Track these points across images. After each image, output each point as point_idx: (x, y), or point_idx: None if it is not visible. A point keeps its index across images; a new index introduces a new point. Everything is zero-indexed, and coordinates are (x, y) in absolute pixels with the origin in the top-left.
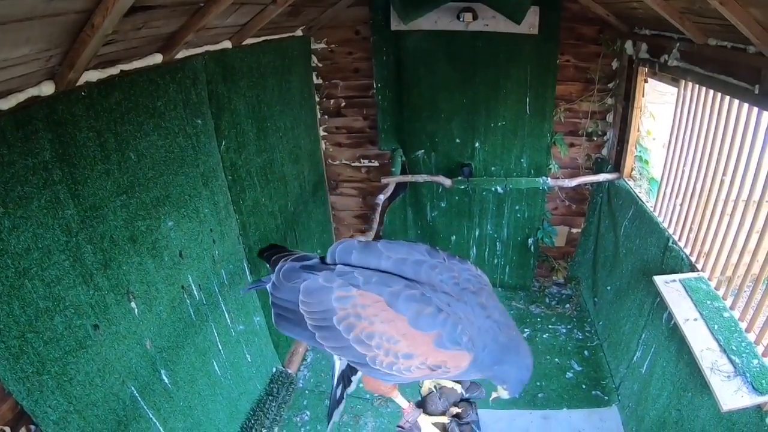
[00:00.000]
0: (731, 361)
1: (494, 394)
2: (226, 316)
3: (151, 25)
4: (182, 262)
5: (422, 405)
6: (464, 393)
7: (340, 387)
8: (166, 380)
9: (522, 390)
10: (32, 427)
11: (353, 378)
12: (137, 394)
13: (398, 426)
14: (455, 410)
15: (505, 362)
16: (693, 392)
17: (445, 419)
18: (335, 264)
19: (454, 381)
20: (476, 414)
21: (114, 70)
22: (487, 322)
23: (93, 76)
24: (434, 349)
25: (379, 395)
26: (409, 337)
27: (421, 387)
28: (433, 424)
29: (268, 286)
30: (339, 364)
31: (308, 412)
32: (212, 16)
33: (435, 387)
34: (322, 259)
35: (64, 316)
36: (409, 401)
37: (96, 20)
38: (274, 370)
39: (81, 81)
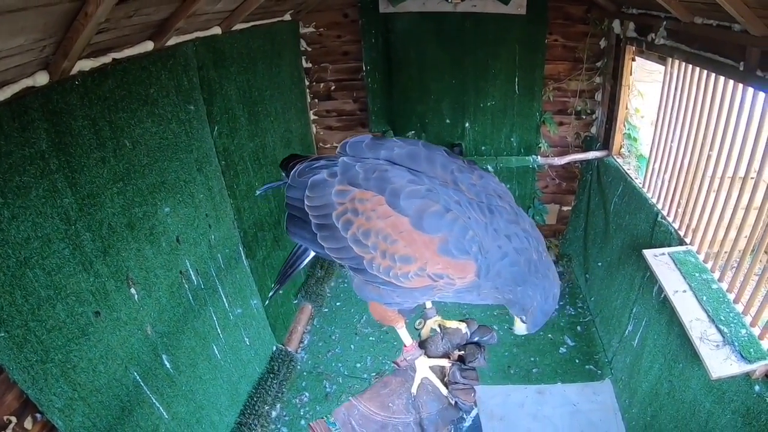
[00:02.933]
0: (720, 331)
1: (514, 328)
2: (224, 300)
3: (142, 12)
4: (180, 248)
5: (423, 346)
6: (469, 335)
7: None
8: (168, 365)
9: (543, 325)
10: (38, 415)
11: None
12: (140, 380)
13: (394, 362)
14: (458, 353)
15: (529, 284)
16: (684, 363)
17: (446, 362)
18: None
19: (460, 321)
20: (484, 359)
21: (106, 59)
22: (513, 228)
23: (86, 65)
24: (436, 255)
25: (386, 325)
26: (408, 238)
27: (418, 328)
28: (431, 367)
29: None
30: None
31: (307, 394)
32: (202, 2)
33: (439, 327)
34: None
35: (65, 303)
36: (413, 339)
37: (89, 9)
38: (274, 348)
39: (74, 70)
